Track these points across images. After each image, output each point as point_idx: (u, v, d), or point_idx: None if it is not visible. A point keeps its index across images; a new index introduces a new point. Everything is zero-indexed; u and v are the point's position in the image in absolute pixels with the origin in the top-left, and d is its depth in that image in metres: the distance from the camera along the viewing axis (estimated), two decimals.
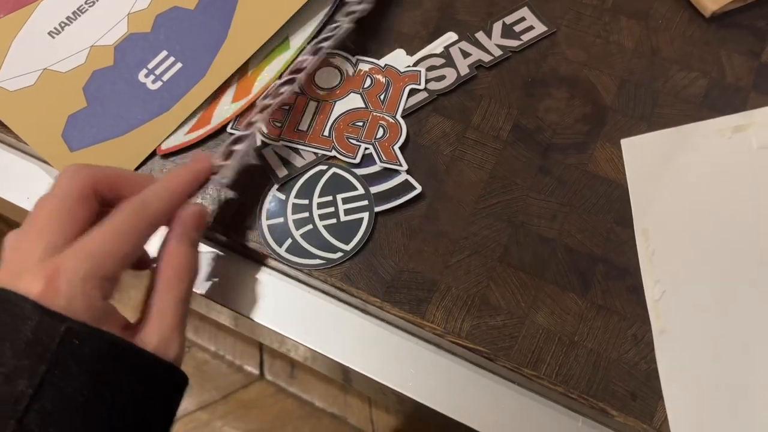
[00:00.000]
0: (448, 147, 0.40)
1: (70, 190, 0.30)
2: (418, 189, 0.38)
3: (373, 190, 0.38)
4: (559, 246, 0.37)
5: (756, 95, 0.41)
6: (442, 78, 0.41)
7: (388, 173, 0.38)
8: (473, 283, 0.36)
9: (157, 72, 0.40)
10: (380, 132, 0.39)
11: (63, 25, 0.42)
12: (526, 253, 0.37)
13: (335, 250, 0.37)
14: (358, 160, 0.38)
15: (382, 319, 0.37)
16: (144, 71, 0.40)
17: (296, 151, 0.39)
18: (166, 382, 0.29)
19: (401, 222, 0.37)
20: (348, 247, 0.37)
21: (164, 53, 0.41)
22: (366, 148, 0.39)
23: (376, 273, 0.36)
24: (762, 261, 0.36)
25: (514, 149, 0.39)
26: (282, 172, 0.38)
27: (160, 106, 0.40)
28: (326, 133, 0.39)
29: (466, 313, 0.35)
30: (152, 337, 0.29)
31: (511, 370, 0.34)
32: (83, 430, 0.26)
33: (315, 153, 0.39)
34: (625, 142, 0.38)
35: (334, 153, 0.39)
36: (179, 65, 0.40)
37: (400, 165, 0.38)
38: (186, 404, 0.96)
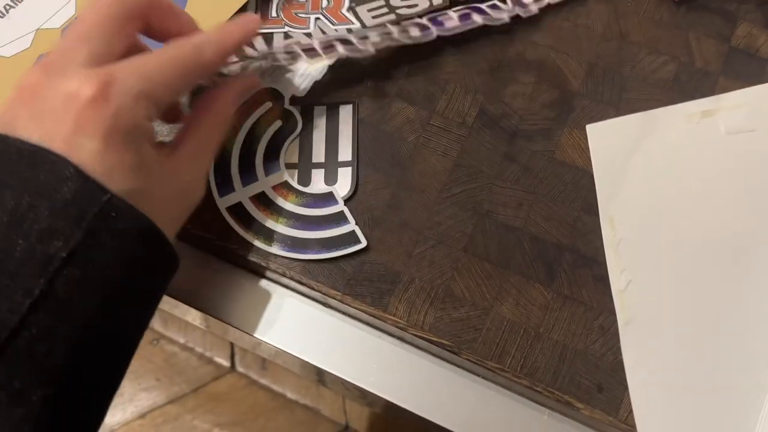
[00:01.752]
0: (412, 134, 0.38)
1: (123, 3, 0.29)
2: (363, 243, 0.35)
3: (315, 235, 0.36)
4: (525, 235, 0.36)
5: (725, 79, 0.40)
6: (414, 6, 0.40)
7: (335, 220, 0.36)
8: (437, 274, 0.35)
9: None
10: (325, 2, 0.41)
11: (8, 7, 0.40)
12: (491, 243, 0.36)
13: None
14: (311, 27, 0.40)
15: (344, 313, 0.36)
16: None
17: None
18: (174, 266, 0.30)
19: (363, 211, 0.36)
20: None
21: None
22: (317, 18, 0.40)
23: (337, 265, 0.35)
24: (729, 250, 0.35)
25: (480, 136, 0.38)
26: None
27: None
28: (274, 14, 0.41)
29: (429, 305, 0.34)
30: (187, 169, 0.31)
31: (475, 363, 0.33)
32: (103, 302, 0.25)
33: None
34: (590, 128, 0.37)
35: (286, 29, 0.40)
36: None
37: (352, 23, 0.40)
38: (155, 398, 0.94)
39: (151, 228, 0.27)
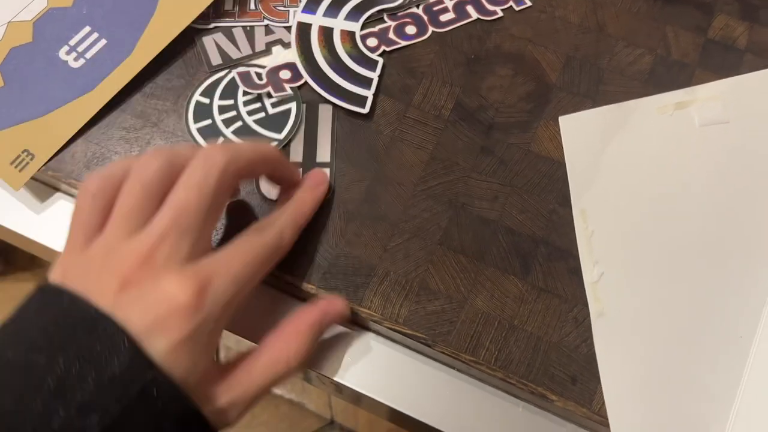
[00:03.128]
0: (388, 127, 0.38)
1: (217, 182, 0.29)
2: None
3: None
4: (500, 228, 0.36)
5: (701, 71, 0.40)
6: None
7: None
8: (412, 267, 0.35)
9: (80, 49, 0.38)
10: None
11: None
12: (466, 236, 0.36)
13: (269, 140, 0.38)
14: (291, 21, 0.40)
15: None
16: (65, 48, 0.38)
17: (233, 41, 0.40)
18: None
19: (339, 205, 0.36)
20: (281, 136, 0.38)
21: (87, 29, 0.38)
22: (295, 11, 0.41)
23: (312, 259, 0.35)
24: (701, 242, 0.35)
25: (456, 129, 0.38)
26: (216, 60, 0.39)
27: (84, 86, 0.37)
28: (252, 6, 0.41)
29: (404, 298, 0.34)
30: (229, 397, 0.29)
31: (450, 356, 0.33)
32: None
33: (251, 46, 0.40)
34: (563, 120, 0.37)
35: (266, 23, 0.41)
36: (104, 42, 0.38)
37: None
38: None
39: (190, 412, 0.26)
